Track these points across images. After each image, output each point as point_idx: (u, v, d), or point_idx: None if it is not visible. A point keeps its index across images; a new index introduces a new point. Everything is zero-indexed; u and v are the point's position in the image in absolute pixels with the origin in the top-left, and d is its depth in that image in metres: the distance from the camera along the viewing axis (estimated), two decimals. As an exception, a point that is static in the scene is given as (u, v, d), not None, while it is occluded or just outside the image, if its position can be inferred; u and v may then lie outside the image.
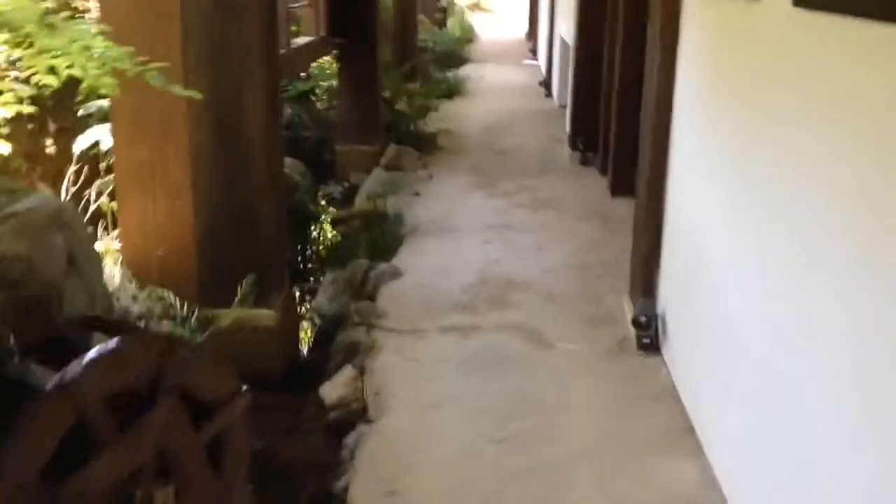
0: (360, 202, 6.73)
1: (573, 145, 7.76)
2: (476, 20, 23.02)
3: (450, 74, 13.45)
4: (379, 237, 5.71)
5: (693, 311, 3.39)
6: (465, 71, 14.11)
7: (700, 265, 3.29)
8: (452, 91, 11.72)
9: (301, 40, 6.50)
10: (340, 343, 4.19)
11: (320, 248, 6.47)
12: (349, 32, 7.38)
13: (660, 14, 3.79)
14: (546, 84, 11.49)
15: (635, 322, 3.81)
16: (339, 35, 7.30)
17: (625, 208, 6.11)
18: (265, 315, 4.01)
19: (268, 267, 4.08)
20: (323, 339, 4.55)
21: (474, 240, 5.54)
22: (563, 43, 10.22)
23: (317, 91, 9.35)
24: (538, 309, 4.44)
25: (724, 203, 3.02)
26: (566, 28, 9.81)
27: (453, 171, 7.37)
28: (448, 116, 10.12)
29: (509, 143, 8.50)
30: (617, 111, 6.37)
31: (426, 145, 8.31)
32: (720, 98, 3.17)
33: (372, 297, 4.70)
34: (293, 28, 7.02)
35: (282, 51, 5.21)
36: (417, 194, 6.61)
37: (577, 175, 7.24)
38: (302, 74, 8.66)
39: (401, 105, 10.77)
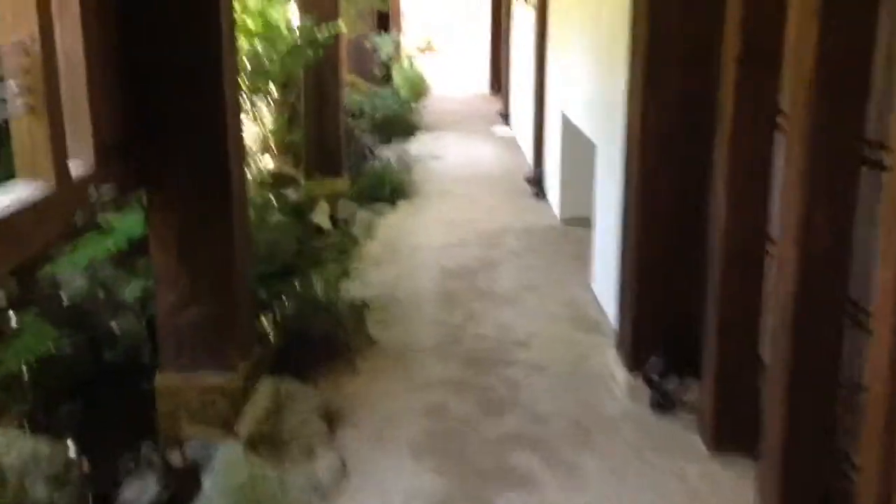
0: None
1: (631, 361, 3.91)
2: (427, 66, 19.32)
3: (392, 155, 9.63)
4: None
5: None
6: (416, 146, 10.29)
7: None
8: (396, 190, 7.84)
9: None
10: None
11: None
12: (163, 160, 3.47)
13: None
14: (536, 181, 7.67)
15: None
16: (144, 166, 3.40)
17: None
18: None
19: None
20: None
21: None
22: (568, 124, 6.45)
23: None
24: None
25: None
26: (578, 100, 6.03)
27: (391, 442, 3.44)
28: (387, 250, 6.22)
29: (497, 332, 4.61)
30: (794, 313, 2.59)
31: (343, 343, 4.40)
32: None
33: None
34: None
35: None
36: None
37: (654, 446, 3.37)
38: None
39: (319, 219, 7.08)
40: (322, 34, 6.75)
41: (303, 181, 8.11)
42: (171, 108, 3.42)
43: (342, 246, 6.54)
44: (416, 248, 6.17)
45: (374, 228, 6.80)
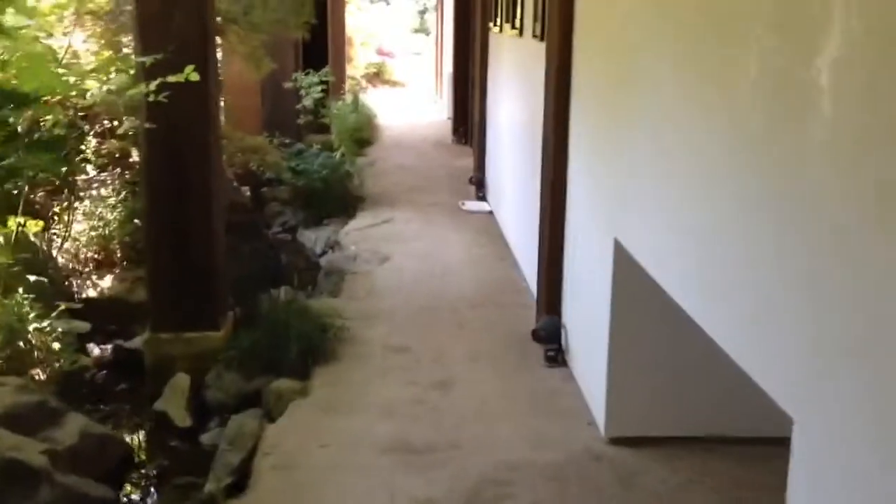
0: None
1: None
2: (378, 99, 16.16)
3: (315, 243, 6.41)
4: None
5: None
6: (355, 232, 7.04)
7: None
8: (312, 350, 4.51)
9: None
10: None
11: None
12: None
13: None
14: (548, 338, 4.45)
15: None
16: None
17: None
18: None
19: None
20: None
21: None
22: (632, 267, 3.27)
23: None
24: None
25: None
26: (673, 239, 2.84)
27: None
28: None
29: None
30: None
31: None
32: None
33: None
34: None
35: None
36: None
37: None
38: None
39: (169, 408, 3.80)
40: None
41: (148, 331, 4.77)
42: None
43: None
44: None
45: (253, 464, 3.50)
